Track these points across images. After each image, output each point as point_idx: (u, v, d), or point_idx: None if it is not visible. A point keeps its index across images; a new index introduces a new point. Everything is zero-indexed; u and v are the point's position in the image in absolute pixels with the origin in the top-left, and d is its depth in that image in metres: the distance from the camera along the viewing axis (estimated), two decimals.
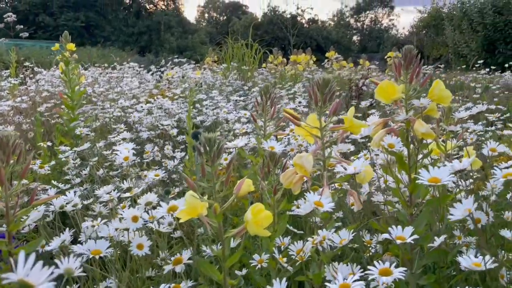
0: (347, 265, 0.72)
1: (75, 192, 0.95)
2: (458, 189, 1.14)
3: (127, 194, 0.87)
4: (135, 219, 0.71)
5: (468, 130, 1.55)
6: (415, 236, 0.59)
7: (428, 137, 0.98)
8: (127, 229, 0.72)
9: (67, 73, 2.19)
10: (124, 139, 1.21)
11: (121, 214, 0.75)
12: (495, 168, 0.73)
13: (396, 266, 0.66)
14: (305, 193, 0.77)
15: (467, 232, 1.05)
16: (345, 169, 0.60)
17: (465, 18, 10.60)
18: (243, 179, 0.77)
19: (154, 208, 0.83)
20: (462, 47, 10.77)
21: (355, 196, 0.84)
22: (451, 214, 0.58)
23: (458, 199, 1.14)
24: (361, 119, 2.59)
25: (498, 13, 10.08)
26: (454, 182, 1.26)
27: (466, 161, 0.56)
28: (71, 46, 2.21)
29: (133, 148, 0.99)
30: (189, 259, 0.83)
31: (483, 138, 2.13)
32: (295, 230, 1.03)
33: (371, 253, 1.03)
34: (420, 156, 1.08)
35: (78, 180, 1.46)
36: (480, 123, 2.18)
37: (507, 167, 0.75)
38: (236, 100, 3.17)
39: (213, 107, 2.92)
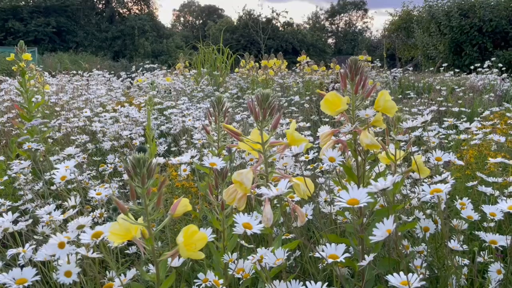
0: (290, 282, 0.71)
1: (21, 210, 0.91)
2: (408, 198, 1.15)
3: (60, 217, 0.84)
4: (61, 245, 0.67)
5: (429, 135, 1.57)
6: (346, 255, 0.58)
7: (373, 148, 0.99)
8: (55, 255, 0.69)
9: (23, 84, 2.12)
10: (69, 155, 1.17)
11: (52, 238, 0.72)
12: (424, 183, 0.73)
13: (352, 277, 0.66)
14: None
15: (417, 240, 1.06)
16: (267, 193, 0.59)
17: (433, 21, 10.88)
18: (179, 199, 0.75)
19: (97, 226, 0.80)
20: (430, 49, 11.04)
21: (298, 210, 0.83)
22: (373, 235, 0.57)
23: (407, 209, 1.15)
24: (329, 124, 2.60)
25: (464, 16, 10.37)
26: (410, 190, 1.28)
27: (389, 180, 0.56)
28: (27, 56, 2.13)
29: (98, 159, 0.95)
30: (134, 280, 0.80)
31: (446, 141, 2.17)
32: (246, 245, 1.01)
33: (322, 265, 1.03)
34: (368, 166, 1.08)
35: (30, 196, 1.41)
36: (442, 125, 2.22)
37: (438, 181, 0.75)
38: (207, 107, 3.15)
39: (181, 114, 2.89)
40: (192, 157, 1.17)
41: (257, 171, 0.85)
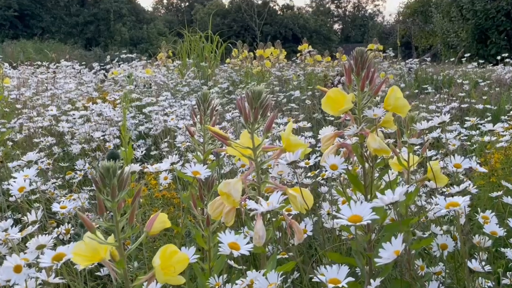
0: None
1: None
2: (423, 211, 1.15)
3: (18, 235, 0.83)
4: (17, 269, 0.67)
5: (449, 136, 1.58)
6: (350, 279, 0.58)
7: (382, 153, 0.99)
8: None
9: None
10: (30, 161, 1.16)
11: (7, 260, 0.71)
12: (440, 194, 0.73)
13: None
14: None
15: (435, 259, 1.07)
16: (255, 209, 0.58)
17: (454, 5, 10.91)
18: (156, 214, 0.74)
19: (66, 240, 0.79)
20: (451, 37, 11.06)
21: (295, 226, 0.83)
22: (379, 257, 0.57)
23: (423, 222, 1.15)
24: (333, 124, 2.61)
25: None
26: (426, 201, 1.28)
27: (397, 193, 0.56)
28: None
29: (66, 165, 0.94)
30: None
31: (469, 143, 2.18)
32: (236, 266, 1.01)
33: None
34: (377, 174, 1.08)
35: None
36: (464, 125, 2.23)
37: (456, 193, 0.75)
38: (192, 104, 3.15)
39: (163, 112, 2.89)
40: (173, 163, 1.16)
41: (248, 180, 0.85)
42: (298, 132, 2.35)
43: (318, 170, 1.54)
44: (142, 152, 2.16)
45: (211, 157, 1.45)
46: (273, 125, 2.06)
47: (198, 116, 1.30)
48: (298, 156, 0.77)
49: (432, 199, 1.17)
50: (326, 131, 1.14)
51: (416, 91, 4.06)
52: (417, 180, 1.15)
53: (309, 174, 1.51)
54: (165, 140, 2.40)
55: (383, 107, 1.04)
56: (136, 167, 1.15)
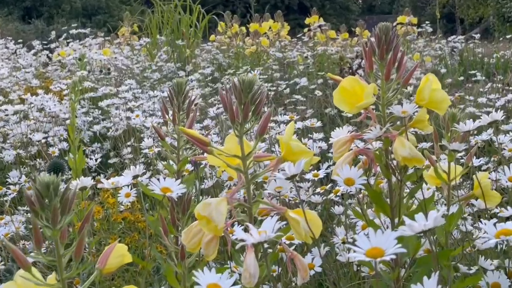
0: None
1: None
2: (469, 238, 1.16)
3: None
4: None
5: (503, 139, 1.59)
6: None
7: (414, 163, 1.00)
8: None
9: None
10: None
11: None
12: (481, 220, 0.73)
13: None
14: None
15: None
16: (244, 239, 0.58)
17: None
18: (111, 245, 0.74)
19: None
20: (508, 6, 11.12)
21: (297, 260, 0.83)
22: None
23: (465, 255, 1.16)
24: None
25: None
26: (472, 225, 1.28)
27: (431, 218, 0.56)
28: None
29: None
30: None
31: None
32: None
33: None
34: (407, 190, 1.09)
35: None
36: None
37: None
38: (165, 95, 3.16)
39: (125, 107, 2.89)
40: (136, 176, 1.16)
41: (235, 199, 0.85)
42: (305, 133, 2.36)
43: (330, 184, 1.54)
44: (97, 160, 2.16)
45: (189, 166, 1.45)
46: (271, 124, 2.08)
47: (171, 113, 1.31)
48: (301, 168, 0.76)
49: (481, 222, 1.18)
50: (340, 134, 1.14)
51: (461, 78, 4.08)
52: (461, 198, 1.15)
53: (318, 189, 1.51)
54: (128, 143, 2.40)
55: (414, 101, 1.04)
56: (88, 181, 1.15)
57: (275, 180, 1.04)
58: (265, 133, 0.88)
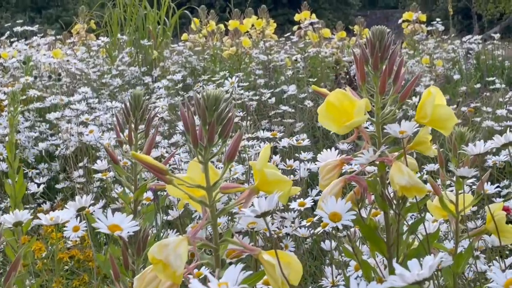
0: None
1: None
2: (480, 283, 1.16)
3: None
4: None
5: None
6: None
7: (414, 193, 1.00)
8: None
9: None
10: None
11: None
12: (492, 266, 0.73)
13: None
14: None
15: None
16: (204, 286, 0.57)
17: None
18: None
19: None
20: None
21: None
22: None
23: None
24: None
25: None
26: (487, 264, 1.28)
27: (426, 266, 0.55)
28: None
29: None
30: None
31: None
32: None
33: None
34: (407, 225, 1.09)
35: None
36: None
37: None
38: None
39: (78, 120, 2.87)
40: (81, 209, 1.15)
41: (198, 238, 0.84)
42: (292, 152, 2.35)
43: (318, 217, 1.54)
44: (41, 184, 2.14)
45: (149, 195, 1.44)
46: (251, 142, 2.07)
47: (127, 131, 1.30)
48: (273, 203, 0.75)
49: (495, 262, 1.18)
50: (329, 156, 1.14)
51: (478, 85, 4.12)
52: (471, 234, 1.15)
53: (304, 222, 1.51)
54: (80, 164, 2.38)
55: (415, 119, 1.04)
56: (23, 215, 1.13)
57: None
58: (234, 159, 0.87)
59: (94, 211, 1.49)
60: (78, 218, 1.34)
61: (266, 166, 0.89)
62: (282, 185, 0.88)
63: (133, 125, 1.26)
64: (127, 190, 1.30)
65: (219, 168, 1.76)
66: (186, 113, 0.85)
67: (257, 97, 3.45)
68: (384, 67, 1.04)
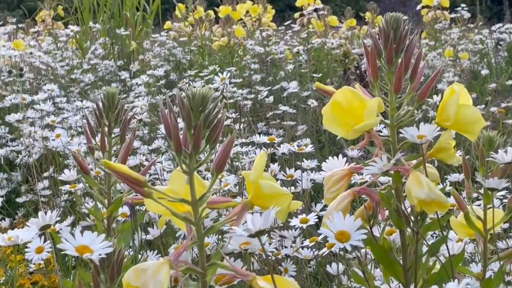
0: None
1: None
2: None
3: None
4: None
5: None
6: None
7: (435, 208, 0.99)
8: None
9: None
10: None
11: None
12: None
13: None
14: None
15: None
16: None
17: None
18: None
19: None
20: None
21: None
22: None
23: None
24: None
25: None
26: None
27: None
28: None
29: None
30: None
31: None
32: None
33: None
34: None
35: None
36: None
37: None
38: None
39: (43, 122, 2.86)
40: (45, 227, 1.15)
41: (181, 263, 0.84)
42: (294, 160, 2.35)
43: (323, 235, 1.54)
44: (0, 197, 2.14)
45: (125, 210, 1.44)
46: (245, 149, 2.07)
47: (99, 135, 1.30)
48: (270, 221, 0.75)
49: None
50: (335, 165, 1.14)
51: (510, 82, 4.12)
52: (502, 255, 1.15)
53: (306, 241, 1.51)
54: (45, 174, 2.38)
55: (435, 121, 1.04)
56: None
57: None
58: (224, 168, 0.87)
59: (61, 229, 1.49)
60: (42, 237, 1.33)
61: (262, 177, 0.89)
62: (280, 199, 0.88)
63: (106, 129, 1.26)
64: (99, 205, 1.30)
65: (207, 179, 1.77)
66: (168, 115, 0.85)
67: (252, 96, 3.45)
68: (399, 61, 1.04)
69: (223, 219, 0.92)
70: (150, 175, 2.07)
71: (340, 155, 1.15)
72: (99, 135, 1.27)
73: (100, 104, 1.27)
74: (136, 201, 1.24)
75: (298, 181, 1.88)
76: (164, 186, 0.91)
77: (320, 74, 4.11)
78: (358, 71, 4.04)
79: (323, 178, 1.15)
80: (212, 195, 0.91)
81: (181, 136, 0.85)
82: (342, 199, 1.03)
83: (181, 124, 0.87)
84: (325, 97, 3.61)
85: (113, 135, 1.29)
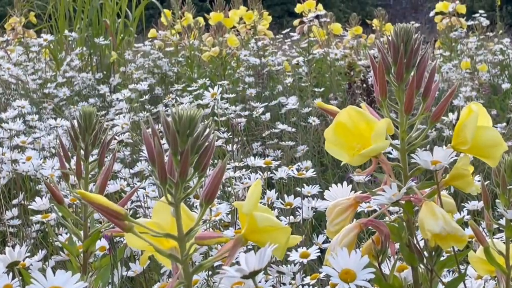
0: None
1: None
2: None
3: None
4: None
5: None
6: None
7: (451, 243, 0.99)
8: None
9: None
10: None
11: None
12: None
13: None
14: None
15: None
16: None
17: None
18: None
19: None
20: None
21: None
22: None
23: None
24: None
25: None
26: None
27: None
28: None
29: None
30: None
31: None
32: None
33: None
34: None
35: None
36: None
37: None
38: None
39: (12, 143, 2.86)
40: (13, 264, 1.14)
41: None
42: (293, 185, 2.35)
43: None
44: None
45: (104, 243, 1.43)
46: (238, 174, 2.06)
47: (74, 160, 1.29)
48: (266, 261, 0.75)
49: None
50: (339, 193, 1.14)
51: None
52: None
53: (307, 278, 1.50)
54: (14, 202, 2.37)
55: (451, 145, 1.04)
56: None
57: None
58: (214, 198, 0.86)
59: (31, 264, 1.48)
60: (10, 274, 1.33)
61: (257, 209, 0.88)
62: (278, 233, 0.87)
63: (82, 152, 1.25)
64: (74, 238, 1.29)
65: (195, 207, 1.77)
66: (151, 138, 0.84)
67: (246, 113, 3.44)
68: (411, 77, 1.04)
69: (214, 254, 0.92)
70: (132, 202, 2.06)
71: (345, 182, 1.15)
72: (75, 157, 1.27)
73: (76, 124, 1.27)
74: (116, 234, 1.24)
75: (298, 209, 1.88)
76: (147, 219, 0.91)
77: (322, 88, 4.11)
78: (364, 85, 4.04)
79: (326, 208, 1.15)
80: (201, 227, 0.90)
81: (166, 163, 0.84)
82: (347, 233, 1.03)
83: (165, 145, 0.86)
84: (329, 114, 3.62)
85: (90, 159, 1.28)
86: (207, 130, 0.86)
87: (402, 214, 1.06)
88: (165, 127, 0.84)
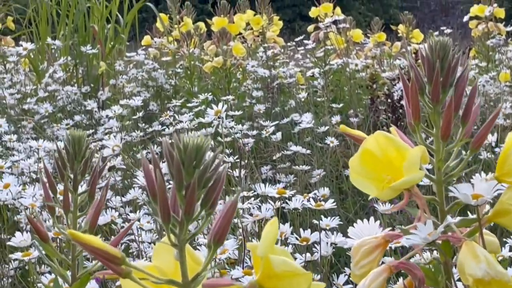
0: None
1: None
2: None
3: None
4: None
5: None
6: None
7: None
8: None
9: None
10: None
11: None
12: None
13: None
14: None
15: None
16: None
17: None
18: None
19: None
20: None
21: None
22: None
23: None
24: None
25: None
26: None
27: None
28: None
29: None
30: None
31: None
32: None
33: None
34: None
35: None
36: None
37: None
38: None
39: None
40: None
41: None
42: (309, 216, 2.34)
43: None
44: None
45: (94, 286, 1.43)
46: (246, 205, 2.06)
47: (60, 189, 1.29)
48: None
49: None
50: (365, 231, 1.14)
51: None
52: None
53: None
54: None
55: (494, 176, 1.04)
56: None
57: None
58: (224, 241, 0.86)
59: None
60: None
61: (273, 251, 0.88)
62: (297, 280, 0.87)
63: (70, 183, 1.25)
64: (60, 280, 1.29)
65: (199, 246, 1.76)
66: (152, 171, 0.84)
67: (254, 132, 3.44)
68: (448, 98, 1.04)
69: None
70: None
71: (372, 219, 1.14)
72: (61, 184, 1.27)
73: (63, 150, 1.27)
74: (108, 277, 1.24)
75: (316, 245, 1.87)
76: (146, 263, 0.90)
77: (341, 104, 4.11)
78: (389, 100, 4.04)
79: (351, 246, 1.15)
80: (208, 272, 0.90)
81: (169, 199, 0.84)
82: (375, 277, 1.03)
83: (165, 169, 0.86)
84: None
85: (79, 190, 1.28)
86: (216, 160, 0.85)
87: (438, 256, 1.06)
88: (169, 158, 0.84)
